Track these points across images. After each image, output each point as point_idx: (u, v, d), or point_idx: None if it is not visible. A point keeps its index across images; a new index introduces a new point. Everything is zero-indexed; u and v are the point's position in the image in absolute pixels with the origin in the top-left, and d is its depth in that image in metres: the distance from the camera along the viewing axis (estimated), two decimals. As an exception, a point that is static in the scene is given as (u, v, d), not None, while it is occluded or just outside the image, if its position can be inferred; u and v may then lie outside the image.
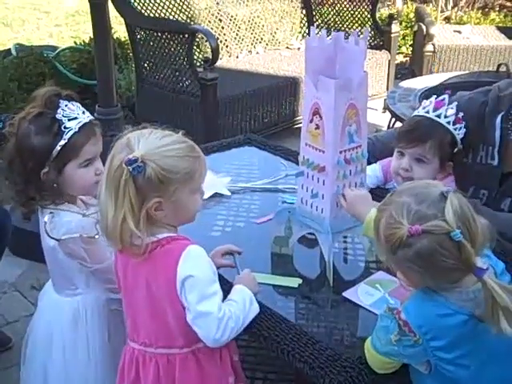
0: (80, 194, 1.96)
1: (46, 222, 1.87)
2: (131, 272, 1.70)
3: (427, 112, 2.19)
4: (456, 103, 2.16)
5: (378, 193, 2.27)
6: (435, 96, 2.22)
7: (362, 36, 1.75)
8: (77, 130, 1.84)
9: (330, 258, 1.87)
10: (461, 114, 2.17)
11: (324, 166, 1.83)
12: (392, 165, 2.27)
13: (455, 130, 2.17)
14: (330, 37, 1.84)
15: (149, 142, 1.61)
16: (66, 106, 1.86)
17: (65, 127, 1.83)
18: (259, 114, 4.91)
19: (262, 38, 5.90)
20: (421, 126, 2.18)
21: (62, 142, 1.82)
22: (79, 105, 1.91)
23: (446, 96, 2.19)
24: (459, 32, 6.05)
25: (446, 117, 2.16)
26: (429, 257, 1.40)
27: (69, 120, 1.84)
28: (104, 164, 1.73)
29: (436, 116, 2.16)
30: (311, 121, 1.83)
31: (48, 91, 1.88)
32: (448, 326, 1.45)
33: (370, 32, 5.77)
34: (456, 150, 2.19)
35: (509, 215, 2.17)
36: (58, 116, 1.84)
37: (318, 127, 1.81)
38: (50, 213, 1.88)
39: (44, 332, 2.02)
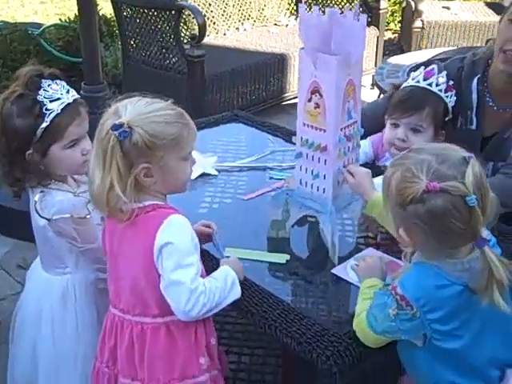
0: (70, 174, 1.93)
1: (36, 201, 1.84)
2: (117, 238, 1.70)
3: (418, 82, 2.17)
4: (445, 72, 2.15)
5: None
6: (423, 67, 2.21)
7: (353, 10, 1.72)
8: (59, 111, 1.80)
9: (335, 239, 1.86)
10: (451, 82, 2.16)
11: (325, 145, 1.80)
12: (385, 136, 2.23)
13: (447, 97, 2.16)
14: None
15: (136, 108, 1.61)
16: (48, 85, 1.82)
17: (46, 109, 1.79)
18: (247, 90, 4.89)
19: (249, 15, 5.85)
20: (415, 95, 2.15)
21: (44, 125, 1.79)
22: (64, 83, 1.87)
23: (435, 66, 2.17)
24: (448, 8, 6.03)
25: (437, 85, 2.14)
26: (440, 216, 1.40)
27: (51, 101, 1.80)
28: (92, 142, 1.71)
29: (428, 85, 2.15)
30: (309, 100, 1.79)
31: (29, 71, 1.83)
32: (445, 297, 1.46)
33: (359, 8, 5.72)
34: (447, 118, 2.18)
35: (497, 179, 2.15)
36: (40, 98, 1.80)
37: (317, 106, 1.78)
38: (41, 192, 1.85)
39: (33, 308, 2.01)
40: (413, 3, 5.73)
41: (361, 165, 2.23)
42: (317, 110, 1.78)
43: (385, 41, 6.15)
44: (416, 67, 2.44)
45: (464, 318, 1.49)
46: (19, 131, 1.80)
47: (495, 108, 2.27)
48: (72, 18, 5.57)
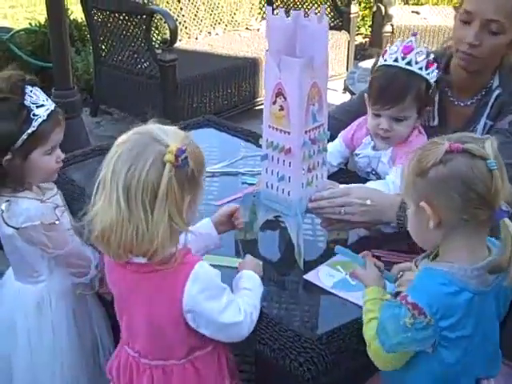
0: (41, 181, 1.93)
1: (3, 211, 1.82)
2: (125, 283, 1.60)
3: (396, 60, 2.08)
4: (425, 46, 2.13)
5: (341, 176, 2.29)
6: (400, 40, 2.15)
7: (319, 14, 1.73)
8: (45, 117, 1.81)
9: (300, 240, 1.86)
10: (432, 56, 2.10)
11: (290, 147, 1.80)
12: (369, 124, 2.20)
13: (428, 75, 2.09)
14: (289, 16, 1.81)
15: (177, 133, 1.48)
16: (31, 91, 1.82)
17: (34, 114, 1.79)
18: (219, 95, 4.90)
19: (221, 19, 5.86)
20: (394, 83, 2.08)
21: (30, 130, 1.78)
22: (41, 91, 1.87)
23: (413, 38, 2.10)
24: (417, 13, 6.09)
25: (417, 63, 2.06)
26: (464, 175, 1.40)
27: (37, 107, 1.80)
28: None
29: (407, 64, 2.06)
30: (274, 102, 1.79)
31: (13, 75, 1.82)
32: (457, 304, 1.45)
33: (330, 13, 5.77)
34: (430, 91, 2.14)
35: None
36: (26, 102, 1.79)
37: (282, 108, 1.78)
38: (7, 201, 1.83)
39: (7, 320, 1.99)
40: (383, 8, 5.78)
41: (335, 172, 2.29)
42: (281, 112, 1.78)
43: (356, 45, 6.20)
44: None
45: (472, 325, 1.48)
46: (1, 135, 1.78)
47: (456, 103, 2.30)
48: (42, 23, 5.54)
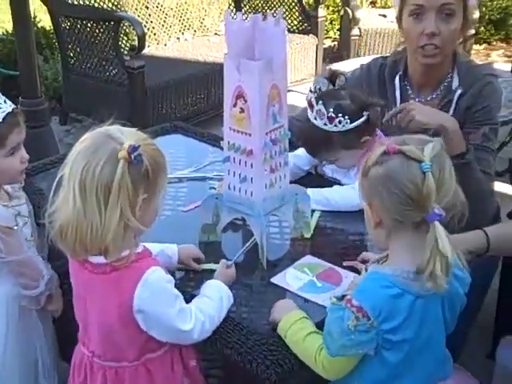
0: (7, 183, 1.92)
1: None
2: (81, 280, 1.64)
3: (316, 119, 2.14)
4: (322, 101, 2.11)
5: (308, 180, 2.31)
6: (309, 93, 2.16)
7: (277, 16, 1.75)
8: (1, 120, 1.80)
9: (263, 240, 1.88)
10: (331, 112, 2.09)
11: (251, 148, 1.82)
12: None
13: (335, 126, 2.10)
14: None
15: (133, 133, 1.53)
16: None
17: None
18: (188, 101, 4.90)
19: (190, 25, 5.87)
20: (305, 141, 2.24)
21: None
22: None
23: (312, 95, 2.14)
24: (384, 16, 6.14)
25: (321, 119, 2.11)
26: (395, 176, 1.44)
27: None
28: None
29: (314, 119, 2.13)
30: (235, 105, 1.82)
31: None
32: (399, 306, 1.47)
33: (298, 17, 5.81)
34: (363, 128, 2.15)
35: None
36: None
37: (242, 110, 1.80)
38: None
39: None
40: (350, 12, 5.82)
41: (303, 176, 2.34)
42: (242, 114, 1.80)
43: (325, 48, 6.24)
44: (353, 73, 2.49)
45: (414, 329, 1.50)
46: None
47: (417, 100, 2.35)
48: (10, 31, 5.50)
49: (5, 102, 1.85)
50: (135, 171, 1.47)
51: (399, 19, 2.28)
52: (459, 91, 2.26)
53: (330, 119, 2.09)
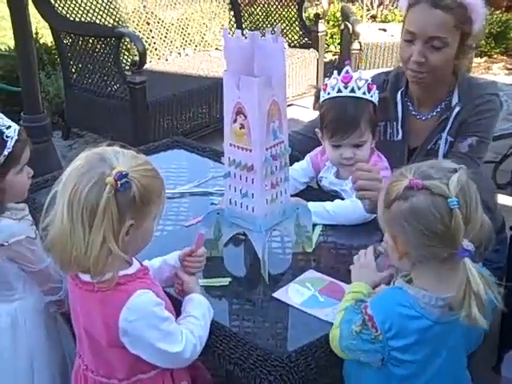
0: (16, 200, 1.93)
1: None
2: (74, 295, 1.65)
3: (339, 91, 2.15)
4: (360, 71, 2.19)
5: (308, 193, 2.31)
6: (336, 71, 2.19)
7: (275, 33, 1.76)
8: (16, 137, 1.83)
9: (265, 255, 1.88)
10: (370, 79, 2.18)
11: (252, 164, 1.82)
12: (330, 157, 2.25)
13: (372, 97, 2.16)
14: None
15: (127, 158, 1.52)
16: None
17: (7, 136, 1.81)
18: (190, 116, 4.91)
19: (191, 40, 5.89)
20: (346, 112, 2.14)
21: (7, 152, 1.80)
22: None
23: (348, 67, 2.17)
24: (384, 30, 6.16)
25: (359, 88, 2.13)
26: (420, 213, 1.40)
27: (6, 128, 1.82)
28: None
29: (351, 92, 2.13)
30: (235, 121, 1.82)
31: None
32: (411, 328, 1.46)
33: (298, 32, 5.83)
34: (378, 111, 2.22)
35: None
36: None
37: (242, 126, 1.81)
38: None
39: None
40: (350, 26, 5.84)
41: (303, 190, 2.33)
42: (242, 130, 1.81)
43: (326, 62, 6.26)
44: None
45: (426, 353, 1.49)
46: None
47: (418, 117, 2.37)
48: (12, 47, 5.53)
49: (10, 119, 1.87)
50: (122, 197, 1.47)
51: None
52: (457, 108, 2.28)
53: (369, 87, 2.14)
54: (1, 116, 1.86)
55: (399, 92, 2.37)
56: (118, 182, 1.45)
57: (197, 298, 1.73)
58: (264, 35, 1.78)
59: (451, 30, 2.16)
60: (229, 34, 1.80)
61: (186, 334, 1.60)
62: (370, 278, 1.70)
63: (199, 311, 1.68)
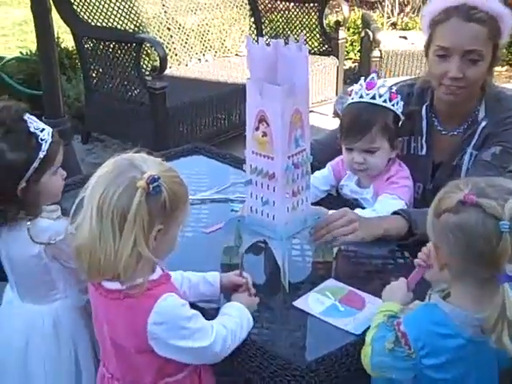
0: (51, 201, 1.94)
1: (28, 229, 1.83)
2: (96, 301, 1.65)
3: (361, 97, 2.18)
4: (385, 79, 2.20)
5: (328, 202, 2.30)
6: (363, 78, 2.23)
7: (299, 41, 1.76)
8: (51, 139, 1.84)
9: (285, 264, 1.87)
10: (394, 88, 2.20)
11: (273, 172, 1.82)
12: (344, 160, 2.29)
13: (393, 106, 2.18)
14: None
15: (157, 163, 1.52)
16: (29, 118, 1.85)
17: (41, 139, 1.82)
18: (209, 121, 4.92)
19: (211, 46, 5.90)
20: (360, 116, 2.18)
21: (42, 155, 1.81)
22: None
23: (374, 74, 2.20)
24: (405, 38, 6.14)
25: (380, 96, 2.15)
26: (468, 229, 1.37)
27: (41, 131, 1.83)
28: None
29: (371, 98, 2.16)
30: (257, 128, 1.82)
31: (7, 106, 1.84)
32: (446, 346, 1.44)
33: (318, 39, 5.83)
34: (400, 123, 2.23)
35: None
36: (32, 129, 1.82)
37: (265, 134, 1.80)
38: (29, 220, 1.84)
39: (16, 346, 1.97)
40: (370, 33, 5.84)
41: (323, 198, 2.33)
42: (264, 138, 1.80)
43: (346, 70, 6.26)
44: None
45: (459, 371, 1.47)
46: (13, 167, 1.80)
47: (443, 132, 2.35)
48: (34, 51, 5.57)
49: (43, 122, 1.88)
50: (153, 202, 1.47)
51: (426, 49, 2.27)
52: (484, 123, 2.25)
53: (392, 96, 2.16)
54: (34, 119, 1.86)
55: (424, 106, 2.34)
56: (150, 186, 1.45)
57: (237, 304, 1.73)
58: (287, 43, 1.78)
59: (486, 43, 2.13)
60: (252, 41, 1.80)
61: (217, 327, 1.60)
62: (402, 299, 1.67)
63: (235, 312, 1.68)
